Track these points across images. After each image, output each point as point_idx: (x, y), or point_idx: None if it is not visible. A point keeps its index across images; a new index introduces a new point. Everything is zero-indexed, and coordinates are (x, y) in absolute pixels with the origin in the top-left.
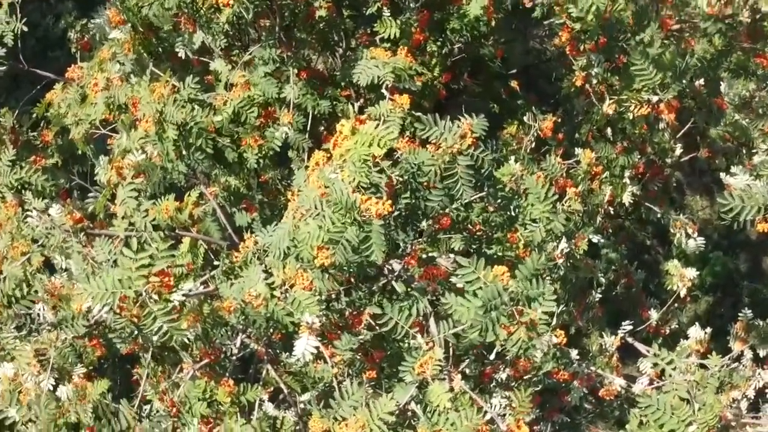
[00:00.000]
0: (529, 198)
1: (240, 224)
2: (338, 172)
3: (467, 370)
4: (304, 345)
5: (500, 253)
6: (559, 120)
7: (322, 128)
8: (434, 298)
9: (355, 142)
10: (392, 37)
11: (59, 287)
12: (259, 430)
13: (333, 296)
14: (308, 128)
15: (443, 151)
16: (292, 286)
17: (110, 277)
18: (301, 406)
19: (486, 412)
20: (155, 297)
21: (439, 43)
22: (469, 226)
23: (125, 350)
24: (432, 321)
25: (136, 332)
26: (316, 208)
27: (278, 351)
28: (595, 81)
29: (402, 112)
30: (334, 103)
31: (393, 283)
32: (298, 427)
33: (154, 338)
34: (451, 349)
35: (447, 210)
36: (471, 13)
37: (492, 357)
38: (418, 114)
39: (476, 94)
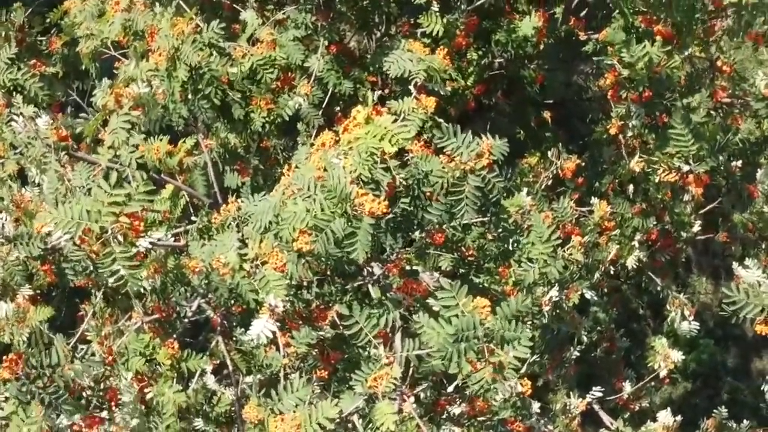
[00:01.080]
0: (531, 235)
1: (228, 185)
2: (342, 158)
3: (422, 395)
4: (262, 326)
5: (487, 285)
6: (583, 164)
7: (338, 108)
8: (407, 312)
9: (367, 132)
10: (434, 33)
11: (27, 201)
12: (192, 400)
13: (304, 284)
14: (324, 105)
15: (456, 165)
16: (263, 263)
17: (79, 205)
18: (243, 387)
19: None
20: (120, 238)
21: (480, 53)
22: (462, 248)
23: (77, 283)
24: (398, 336)
25: (91, 269)
26: (309, 189)
27: (234, 325)
28: (629, 133)
29: (424, 114)
30: (358, 86)
31: (369, 286)
32: (233, 408)
33: (109, 280)
34: (411, 370)
35: (444, 227)
36: (521, 31)
37: (450, 389)
38: (440, 120)
39: (505, 114)
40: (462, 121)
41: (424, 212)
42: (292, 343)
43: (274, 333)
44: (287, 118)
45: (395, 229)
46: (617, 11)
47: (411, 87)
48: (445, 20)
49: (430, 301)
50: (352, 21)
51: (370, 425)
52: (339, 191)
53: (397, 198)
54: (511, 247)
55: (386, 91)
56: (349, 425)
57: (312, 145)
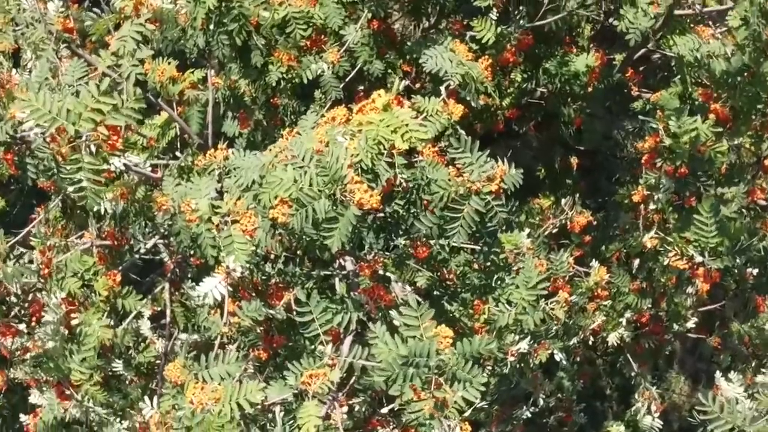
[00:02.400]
0: (518, 278)
1: (224, 131)
2: (347, 138)
3: (356, 408)
4: (213, 286)
5: (457, 315)
6: (595, 222)
7: (362, 87)
8: (366, 318)
9: (382, 119)
10: (484, 41)
11: (12, 82)
12: (118, 340)
13: (269, 256)
14: (347, 79)
15: (462, 181)
16: (234, 222)
17: (61, 102)
18: (175, 343)
19: None
20: (92, 149)
21: (525, 76)
22: (443, 269)
23: (39, 183)
24: (349, 340)
25: (55, 172)
26: (303, 159)
27: (186, 276)
28: (652, 206)
29: (447, 120)
30: (388, 70)
31: (336, 279)
32: (158, 361)
33: (70, 188)
34: (352, 379)
35: (431, 242)
36: (574, 66)
37: (385, 410)
38: (461, 132)
39: (531, 147)
40: (485, 141)
41: (415, 220)
42: (238, 313)
43: (223, 297)
44: (305, 81)
45: (380, 229)
46: (678, 77)
47: (442, 88)
48: (499, 30)
49: (393, 313)
50: (403, 2)
51: (292, 422)
52: (333, 171)
53: (392, 197)
54: (493, 284)
55: (416, 84)
56: (270, 415)
57: (322, 116)
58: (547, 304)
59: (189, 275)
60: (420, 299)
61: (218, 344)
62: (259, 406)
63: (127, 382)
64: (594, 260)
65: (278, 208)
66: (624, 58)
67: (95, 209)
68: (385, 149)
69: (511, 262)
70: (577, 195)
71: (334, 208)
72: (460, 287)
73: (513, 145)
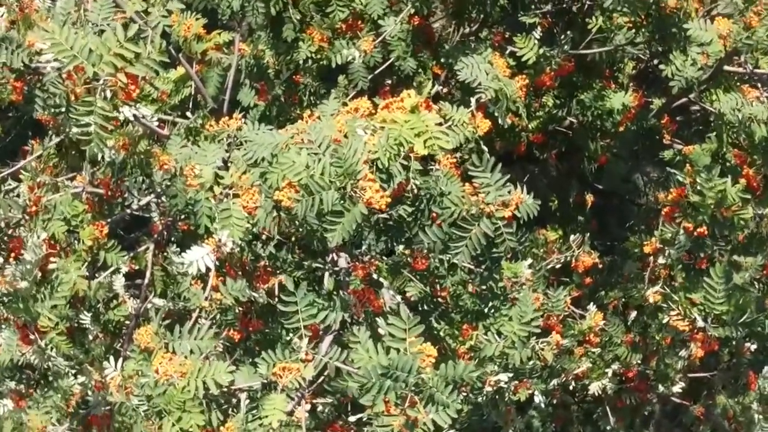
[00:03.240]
0: (512, 309)
1: (240, 99)
2: (368, 133)
3: (321, 409)
4: (200, 256)
5: (443, 335)
6: (600, 266)
7: (389, 82)
8: (350, 320)
9: (407, 120)
10: (524, 59)
11: (33, 9)
12: (89, 291)
13: (263, 237)
14: (377, 71)
15: (476, 201)
16: (235, 195)
17: (86, 40)
18: (149, 307)
19: None
20: (108, 93)
21: (557, 102)
22: (438, 285)
23: (40, 116)
24: (329, 339)
25: (62, 110)
26: (319, 146)
27: (173, 241)
28: (662, 260)
29: (472, 134)
30: (419, 70)
31: (326, 274)
32: (128, 322)
33: (74, 129)
34: (323, 378)
35: (431, 255)
36: (610, 102)
37: (352, 419)
38: (484, 149)
39: (549, 176)
40: (503, 160)
41: (420, 231)
42: (221, 289)
43: (208, 270)
44: (333, 65)
45: (382, 231)
46: (715, 134)
47: (472, 99)
48: (541, 51)
49: (379, 321)
50: (448, 3)
51: (255, 411)
52: (348, 164)
53: (400, 202)
54: (486, 311)
55: (445, 90)
56: (234, 400)
57: (345, 104)
58: (537, 342)
59: (174, 240)
60: (410, 312)
61: (194, 317)
62: (225, 389)
63: (91, 337)
64: (591, 304)
65: (285, 191)
66: (662, 104)
67: (98, 155)
68: (403, 151)
69: (508, 291)
70: (587, 234)
71: (342, 202)
72: (452, 307)
73: (531, 170)
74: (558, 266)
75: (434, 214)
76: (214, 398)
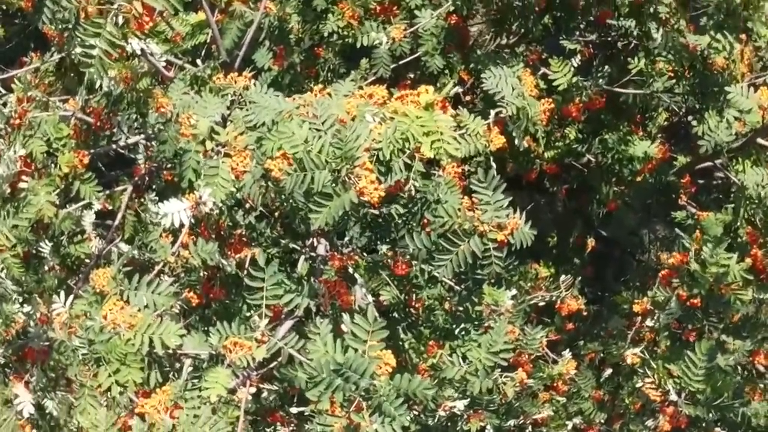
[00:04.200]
0: (483, 337)
1: (255, 59)
2: (375, 120)
3: (265, 395)
4: (177, 210)
5: (406, 347)
6: (585, 314)
7: (411, 76)
8: (315, 309)
9: (419, 116)
10: (555, 83)
11: None
12: (56, 219)
13: (245, 205)
14: (402, 61)
15: (471, 217)
16: (226, 155)
17: None
18: (113, 251)
19: None
20: (119, 20)
21: (579, 136)
22: (413, 294)
23: (46, 29)
24: (288, 324)
25: (69, 27)
26: (323, 123)
27: (152, 188)
28: (649, 323)
29: (484, 147)
30: (445, 70)
31: (302, 257)
32: (88, 261)
33: (78, 50)
34: (273, 363)
35: (414, 263)
36: (632, 149)
37: (294, 410)
38: (493, 165)
39: (554, 210)
40: (511, 183)
41: (408, 234)
42: (191, 248)
43: (182, 225)
44: (358, 45)
45: (368, 226)
46: (733, 206)
47: (492, 112)
48: (575, 80)
49: (345, 317)
50: (490, 9)
51: (196, 381)
52: (348, 148)
53: (394, 200)
54: (457, 332)
55: (467, 98)
56: (177, 365)
57: (360, 88)
58: (501, 375)
59: (154, 188)
60: (378, 315)
61: (157, 271)
62: (171, 351)
63: (47, 268)
64: (568, 350)
65: (278, 161)
66: (686, 163)
67: (96, 81)
68: (408, 149)
69: (484, 316)
70: (579, 279)
71: (334, 185)
72: (423, 320)
73: (537, 200)
74: (542, 304)
75: (426, 221)
76: (157, 358)
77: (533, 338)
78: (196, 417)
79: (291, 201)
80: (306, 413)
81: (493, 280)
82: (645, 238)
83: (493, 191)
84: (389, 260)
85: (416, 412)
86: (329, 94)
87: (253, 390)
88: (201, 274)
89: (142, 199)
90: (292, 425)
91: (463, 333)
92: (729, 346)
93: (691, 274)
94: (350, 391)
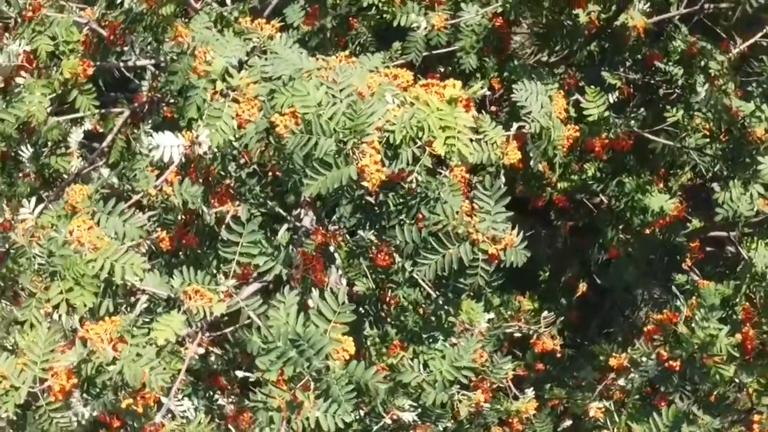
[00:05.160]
0: (448, 350)
1: (285, 13)
2: (395, 102)
3: (214, 358)
4: (170, 145)
5: (368, 342)
6: (559, 355)
7: (441, 70)
8: (286, 279)
9: (439, 108)
10: (585, 112)
11: None
12: (43, 125)
13: (240, 159)
14: (434, 51)
15: (467, 222)
16: (234, 101)
17: None
18: (95, 171)
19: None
20: None
21: (597, 175)
22: (388, 290)
23: None
24: (255, 287)
25: None
26: (341, 91)
27: (148, 118)
28: (622, 381)
29: (498, 158)
30: (476, 72)
31: (284, 225)
32: (67, 176)
33: None
34: (229, 328)
35: (397, 257)
36: (648, 200)
37: (240, 374)
38: (502, 180)
39: (552, 245)
40: (516, 204)
41: (398, 226)
42: (174, 187)
43: (171, 162)
44: (394, 24)
45: (360, 208)
46: (737, 282)
47: (514, 125)
48: (607, 114)
49: (314, 293)
50: (539, 22)
51: (147, 320)
52: (360, 121)
53: (393, 188)
54: (423, 338)
55: (492, 106)
56: (132, 299)
57: (388, 67)
58: (459, 392)
59: (151, 120)
60: (348, 302)
61: (134, 201)
62: (128, 284)
63: (22, 174)
64: (532, 389)
65: (286, 117)
66: (700, 228)
67: None
68: (421, 139)
69: (456, 331)
70: (561, 319)
71: (336, 156)
72: (392, 319)
73: (537, 230)
74: (517, 335)
75: (420, 215)
76: (112, 288)
77: (500, 368)
78: (139, 355)
79: (289, 162)
80: (251, 380)
81: (473, 293)
82: (639, 297)
83: (495, 202)
84: (373, 248)
85: (363, 411)
86: (354, 64)
87: (201, 351)
88: (179, 217)
89: (137, 128)
90: (233, 396)
91: (430, 340)
92: (698, 419)
93: (676, 335)
94: (302, 367)
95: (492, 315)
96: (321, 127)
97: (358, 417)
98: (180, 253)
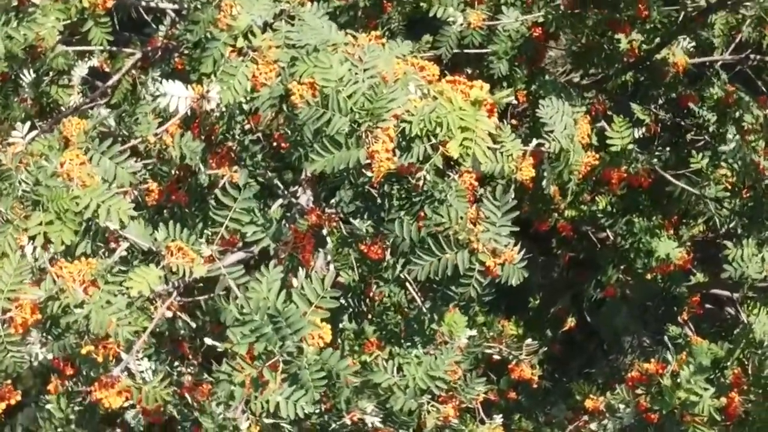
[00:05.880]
0: (426, 359)
1: None
2: (418, 93)
3: (181, 324)
4: (178, 95)
5: (344, 336)
6: (534, 386)
7: (469, 71)
8: (273, 253)
9: (461, 107)
10: (609, 142)
11: None
12: (50, 52)
13: (248, 126)
14: (465, 50)
15: (470, 230)
16: (252, 61)
17: None
18: (96, 111)
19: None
20: None
21: (607, 210)
22: (374, 285)
23: None
24: (239, 256)
25: None
26: (364, 71)
27: (159, 65)
28: (593, 426)
29: (511, 171)
30: (505, 78)
31: (279, 200)
32: (62, 108)
33: None
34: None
35: (389, 255)
36: (656, 244)
37: (208, 341)
38: (510, 193)
39: (548, 275)
40: (517, 223)
41: (397, 221)
42: (175, 139)
43: (176, 113)
44: (429, 15)
45: (361, 195)
46: (732, 344)
47: (534, 141)
48: (630, 147)
49: (299, 272)
50: (577, 40)
51: (124, 269)
52: (378, 106)
53: (399, 181)
54: (402, 340)
55: (513, 120)
56: (111, 245)
57: (415, 57)
58: (428, 403)
59: (161, 66)
60: (332, 288)
61: (130, 146)
62: (110, 229)
63: (18, 98)
64: (500, 416)
65: (303, 87)
66: (703, 283)
67: None
68: (437, 136)
69: (436, 341)
70: (544, 350)
71: (348, 136)
72: (374, 316)
73: (536, 256)
74: (496, 357)
75: (422, 214)
76: (93, 230)
77: (472, 387)
78: (109, 303)
79: (297, 134)
80: (219, 350)
81: (461, 305)
82: (626, 342)
83: (502, 214)
84: (368, 239)
85: (324, 407)
86: (383, 45)
87: (170, 314)
88: (173, 171)
89: (148, 71)
90: (193, 366)
91: (409, 344)
92: None
93: (660, 387)
94: (274, 345)
95: (474, 332)
96: (338, 104)
97: (318, 410)
98: (165, 210)
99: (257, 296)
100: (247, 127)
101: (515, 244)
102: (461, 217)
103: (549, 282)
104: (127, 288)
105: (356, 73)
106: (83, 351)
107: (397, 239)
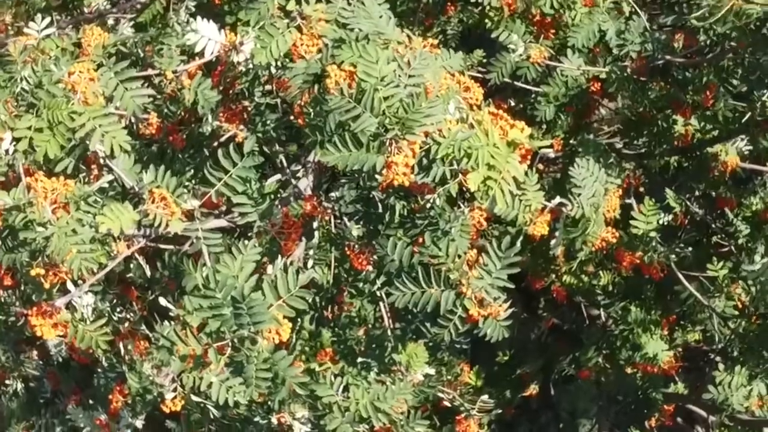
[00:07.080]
0: (376, 386)
1: None
2: (457, 114)
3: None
4: (210, 38)
5: (301, 340)
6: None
7: (512, 102)
8: (255, 232)
9: (496, 144)
10: (633, 224)
11: None
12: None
13: (270, 93)
14: (515, 82)
15: (465, 273)
16: (297, 29)
17: None
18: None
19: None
20: None
21: (608, 289)
22: (348, 294)
23: None
24: (220, 222)
25: None
26: (409, 77)
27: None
28: None
29: (523, 223)
30: (544, 125)
31: (276, 177)
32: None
33: None
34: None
35: (373, 268)
36: (645, 340)
37: (163, 303)
38: (517, 244)
39: (527, 335)
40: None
41: (393, 238)
42: (193, 81)
43: (203, 53)
44: (491, 35)
45: (363, 199)
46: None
47: (557, 198)
48: (652, 234)
49: (277, 261)
50: (635, 107)
51: (100, 202)
52: (412, 117)
53: (405, 197)
54: (357, 359)
55: (540, 164)
56: (95, 171)
57: (463, 74)
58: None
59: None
60: (306, 289)
61: (146, 74)
62: (101, 155)
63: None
64: None
65: (342, 73)
66: (682, 395)
67: None
68: (460, 165)
69: (392, 370)
70: (497, 411)
71: (371, 138)
72: (336, 327)
73: (519, 311)
74: (446, 403)
75: (421, 240)
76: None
77: (412, 427)
78: (74, 232)
79: (320, 120)
80: (171, 314)
81: (432, 345)
82: (582, 428)
83: (501, 267)
84: (355, 246)
85: (261, 401)
86: (434, 52)
87: (128, 253)
88: (181, 112)
89: (178, 12)
90: (135, 313)
91: (364, 366)
92: None
93: None
94: (229, 328)
95: (432, 371)
96: (372, 102)
97: (250, 408)
98: (155, 145)
99: (226, 273)
100: (267, 88)
101: (505, 301)
102: (459, 256)
103: (524, 341)
104: (99, 223)
105: (400, 76)
106: (32, 272)
107: (386, 257)
